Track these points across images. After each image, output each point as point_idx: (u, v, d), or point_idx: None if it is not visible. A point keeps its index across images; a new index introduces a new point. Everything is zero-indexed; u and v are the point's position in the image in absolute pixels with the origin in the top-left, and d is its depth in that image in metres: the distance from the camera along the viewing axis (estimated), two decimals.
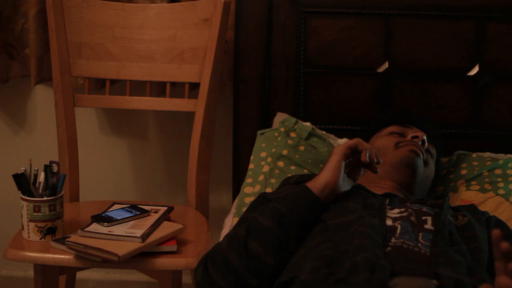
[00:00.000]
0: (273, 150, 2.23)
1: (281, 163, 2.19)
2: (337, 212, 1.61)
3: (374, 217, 1.59)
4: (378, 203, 1.67)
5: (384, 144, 1.99)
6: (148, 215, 2.03)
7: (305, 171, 2.16)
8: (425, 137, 2.03)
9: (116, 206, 2.11)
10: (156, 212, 2.05)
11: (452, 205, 1.80)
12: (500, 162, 2.17)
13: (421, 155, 1.96)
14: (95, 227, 1.95)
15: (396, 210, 1.65)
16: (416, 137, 2.01)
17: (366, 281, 1.36)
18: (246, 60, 2.40)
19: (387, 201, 1.72)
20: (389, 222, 1.59)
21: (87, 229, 1.94)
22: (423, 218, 1.62)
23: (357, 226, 1.54)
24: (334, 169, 1.64)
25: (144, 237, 1.89)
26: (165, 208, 2.09)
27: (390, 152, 1.96)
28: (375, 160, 1.65)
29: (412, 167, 1.93)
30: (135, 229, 1.93)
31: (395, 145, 1.98)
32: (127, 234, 1.91)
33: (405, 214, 1.62)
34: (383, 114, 2.23)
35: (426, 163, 1.98)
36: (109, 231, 1.93)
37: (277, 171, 2.17)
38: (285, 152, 2.21)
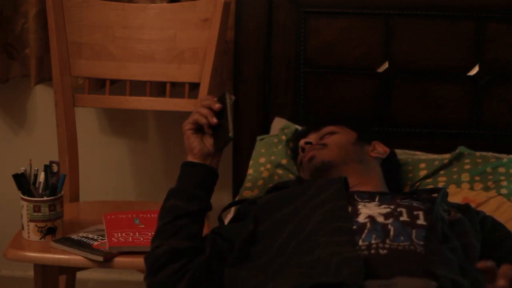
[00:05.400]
0: (273, 157, 2.22)
1: (280, 171, 2.19)
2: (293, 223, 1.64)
3: (337, 217, 1.59)
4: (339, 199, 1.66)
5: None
6: None
7: None
8: (303, 141, 1.99)
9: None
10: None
11: (451, 202, 1.81)
12: (504, 160, 2.17)
13: (313, 153, 1.93)
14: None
15: (384, 206, 1.65)
16: (302, 149, 2.00)
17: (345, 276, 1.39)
18: (246, 60, 2.40)
19: (377, 197, 1.72)
20: (380, 219, 1.59)
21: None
22: (415, 213, 1.63)
23: (320, 234, 1.56)
24: (188, 142, 1.81)
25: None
26: None
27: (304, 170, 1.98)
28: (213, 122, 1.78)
29: (320, 167, 1.91)
30: None
31: (299, 166, 2.03)
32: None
33: (395, 212, 1.62)
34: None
35: (323, 145, 1.94)
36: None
37: (276, 177, 2.16)
38: (284, 161, 2.20)
